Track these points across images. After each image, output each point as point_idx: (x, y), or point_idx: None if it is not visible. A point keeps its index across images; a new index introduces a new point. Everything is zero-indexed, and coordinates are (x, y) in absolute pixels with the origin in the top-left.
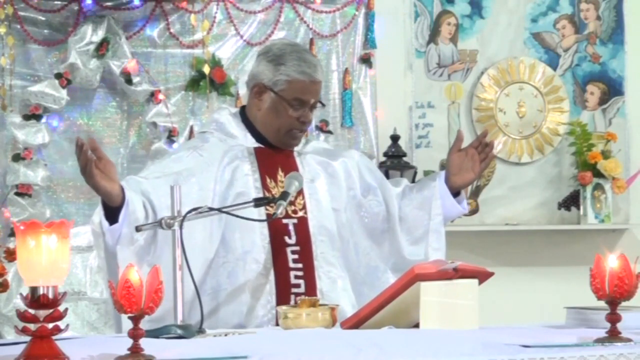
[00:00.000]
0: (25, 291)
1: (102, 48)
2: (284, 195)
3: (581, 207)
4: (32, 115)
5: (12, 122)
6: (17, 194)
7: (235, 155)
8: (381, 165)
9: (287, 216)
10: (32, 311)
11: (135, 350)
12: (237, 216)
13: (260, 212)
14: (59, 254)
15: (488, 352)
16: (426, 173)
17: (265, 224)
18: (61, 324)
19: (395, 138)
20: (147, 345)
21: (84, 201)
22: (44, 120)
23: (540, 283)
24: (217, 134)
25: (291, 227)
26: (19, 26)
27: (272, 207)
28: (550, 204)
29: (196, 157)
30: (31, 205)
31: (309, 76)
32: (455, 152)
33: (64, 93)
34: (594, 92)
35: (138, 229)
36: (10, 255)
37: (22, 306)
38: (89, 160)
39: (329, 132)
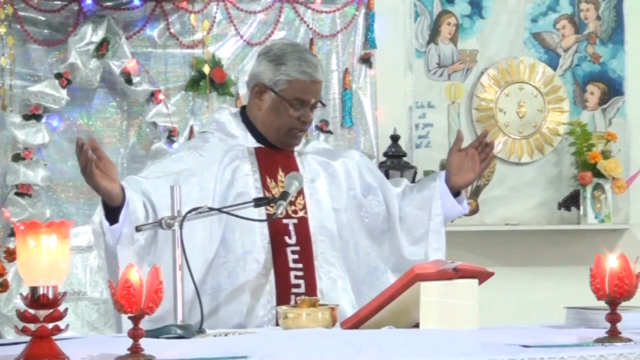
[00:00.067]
0: (25, 291)
1: (102, 48)
2: (284, 195)
3: (581, 207)
4: (32, 115)
5: (12, 122)
6: (17, 194)
7: (235, 155)
8: (381, 165)
9: (288, 216)
10: (32, 311)
11: (135, 350)
12: (237, 216)
13: (261, 212)
14: (59, 254)
15: (488, 352)
16: (426, 173)
17: (265, 224)
18: (61, 324)
19: (395, 138)
20: (147, 345)
21: (84, 201)
22: (44, 120)
23: (540, 283)
24: (218, 134)
25: (291, 227)
26: (19, 26)
27: (272, 207)
28: (550, 204)
29: (196, 157)
30: (31, 205)
31: (309, 76)
32: (456, 152)
33: (64, 93)
34: (594, 92)
35: (138, 229)
36: (10, 255)
37: (22, 306)
38: (90, 160)
39: (329, 132)
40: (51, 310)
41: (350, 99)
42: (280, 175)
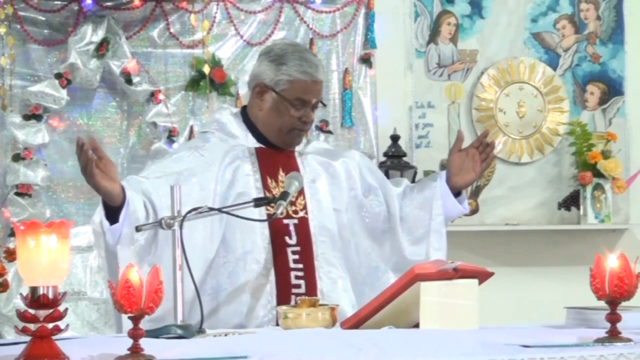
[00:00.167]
0: (25, 291)
1: (102, 48)
2: (284, 195)
3: (581, 207)
4: (32, 115)
5: (12, 122)
6: (17, 194)
7: (236, 155)
8: (381, 165)
9: (288, 216)
10: (32, 311)
11: (135, 350)
12: (237, 216)
13: (261, 213)
14: (59, 254)
15: (488, 352)
16: (426, 173)
17: (266, 224)
18: (61, 324)
19: (395, 138)
20: (147, 345)
21: (84, 201)
22: (44, 120)
23: (540, 283)
24: (218, 134)
25: (292, 228)
26: (19, 26)
27: (272, 207)
28: (550, 204)
29: (197, 157)
30: (31, 205)
31: (310, 76)
32: (456, 152)
33: (64, 93)
34: (594, 92)
35: (138, 229)
36: (10, 255)
37: (22, 306)
38: (90, 160)
39: (329, 132)
40: (51, 310)
41: (350, 99)
42: (281, 175)
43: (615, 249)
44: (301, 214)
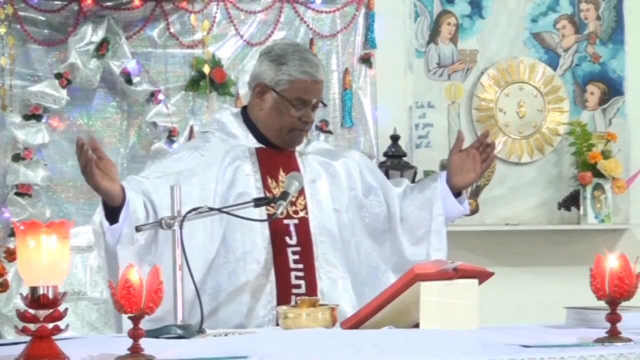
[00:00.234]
0: (25, 291)
1: (102, 48)
2: (284, 195)
3: (581, 207)
4: (32, 115)
5: (12, 122)
6: (17, 194)
7: (236, 155)
8: (381, 165)
9: (288, 216)
10: (32, 311)
11: (135, 350)
12: (238, 216)
13: (262, 213)
14: (59, 254)
15: (488, 352)
16: (426, 173)
17: (266, 224)
18: (61, 324)
19: (395, 138)
20: (147, 345)
21: (84, 201)
22: (44, 120)
23: (540, 283)
24: (219, 134)
25: (292, 228)
26: (19, 26)
27: (272, 207)
28: (550, 204)
29: (197, 157)
30: (31, 205)
31: (311, 76)
32: (457, 153)
33: (64, 93)
34: (594, 92)
35: (138, 228)
36: (10, 255)
37: (22, 306)
38: (90, 160)
39: (329, 132)
40: (51, 310)
41: (350, 99)
42: (281, 175)
43: (615, 249)
44: (301, 214)
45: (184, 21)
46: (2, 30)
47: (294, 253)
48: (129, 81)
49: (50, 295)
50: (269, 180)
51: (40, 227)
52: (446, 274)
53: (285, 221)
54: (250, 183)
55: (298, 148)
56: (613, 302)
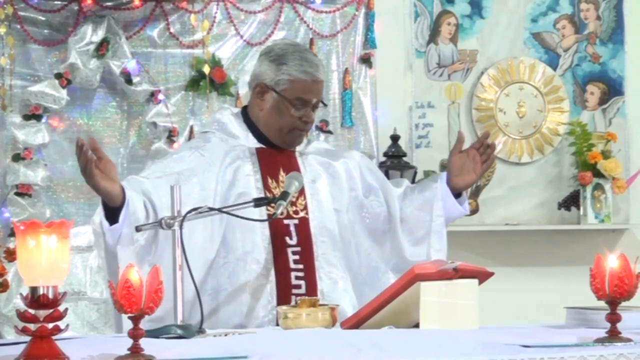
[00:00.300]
0: (25, 291)
1: (102, 48)
2: (284, 195)
3: (581, 207)
4: (32, 115)
5: (12, 122)
6: (17, 194)
7: (236, 155)
8: (381, 165)
9: (289, 217)
10: (32, 311)
11: (135, 350)
12: (238, 216)
13: (262, 213)
14: (59, 254)
15: (488, 352)
16: (426, 173)
17: (266, 225)
18: (61, 324)
19: (395, 138)
20: (147, 345)
21: (84, 201)
22: (44, 120)
23: (540, 283)
24: (219, 134)
25: (292, 228)
26: (19, 26)
27: (272, 207)
28: (550, 204)
29: (198, 157)
30: (31, 205)
31: (311, 75)
32: (457, 154)
33: (64, 93)
34: (594, 92)
35: (138, 229)
36: (10, 255)
37: (22, 306)
38: (89, 161)
39: (329, 132)
40: (51, 310)
41: (350, 99)
42: (282, 175)
43: (615, 249)
44: (302, 214)
45: (184, 21)
46: (2, 30)
47: (294, 253)
48: (129, 81)
49: (50, 295)
50: (269, 181)
51: (40, 227)
52: (446, 274)
53: (286, 221)
54: (250, 183)
55: (298, 148)
56: (613, 302)
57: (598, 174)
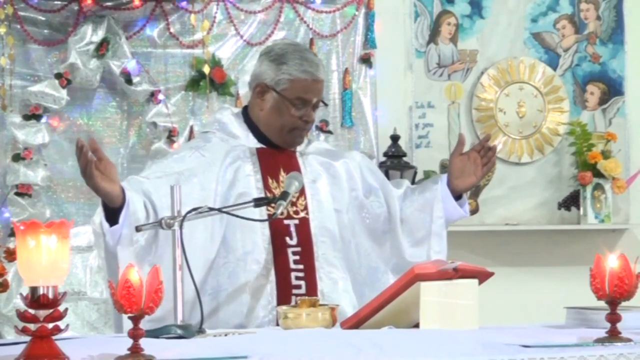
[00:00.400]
0: (25, 291)
1: (102, 48)
2: (284, 195)
3: (581, 207)
4: (32, 115)
5: (12, 122)
6: (17, 194)
7: (237, 155)
8: (381, 165)
9: (289, 217)
10: (32, 311)
11: (135, 350)
12: (237, 216)
13: (262, 213)
14: (59, 254)
15: (488, 352)
16: (426, 173)
17: (266, 225)
18: (61, 324)
19: (395, 138)
20: (147, 345)
21: (84, 201)
22: (44, 120)
23: (540, 283)
24: (219, 134)
25: (292, 228)
26: (19, 26)
27: (273, 207)
28: (550, 204)
29: (198, 157)
30: (31, 205)
31: (311, 75)
32: (457, 156)
33: (64, 93)
34: (594, 92)
35: (138, 229)
36: (10, 255)
37: (22, 306)
38: (89, 162)
39: (329, 132)
40: (51, 310)
41: (350, 99)
42: (282, 175)
43: (615, 249)
44: (302, 214)
45: (184, 21)
46: (2, 30)
47: (294, 253)
48: (129, 81)
49: (50, 295)
50: (270, 181)
51: (40, 227)
52: (446, 274)
53: (286, 221)
54: (250, 183)
55: (299, 148)
56: (613, 302)
57: (598, 174)
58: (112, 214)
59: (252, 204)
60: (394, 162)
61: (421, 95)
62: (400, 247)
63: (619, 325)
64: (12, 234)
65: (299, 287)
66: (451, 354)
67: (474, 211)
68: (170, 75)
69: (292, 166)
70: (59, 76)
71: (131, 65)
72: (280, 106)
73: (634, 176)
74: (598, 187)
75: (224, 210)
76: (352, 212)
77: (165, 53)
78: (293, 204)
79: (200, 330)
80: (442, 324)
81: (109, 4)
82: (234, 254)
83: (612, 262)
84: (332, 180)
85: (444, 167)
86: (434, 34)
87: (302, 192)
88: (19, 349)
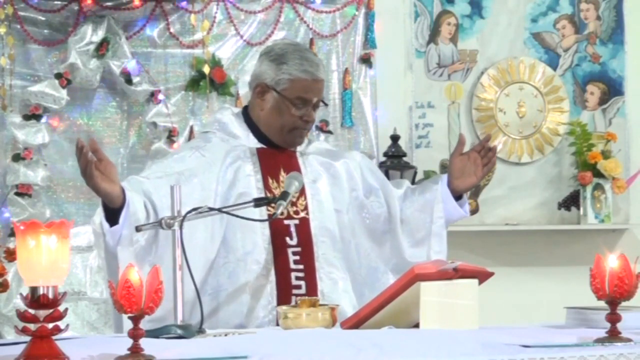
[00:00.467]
0: (25, 291)
1: (102, 48)
2: (284, 195)
3: (581, 207)
4: (32, 115)
5: (12, 122)
6: (17, 194)
7: (237, 155)
8: (381, 165)
9: (289, 217)
10: (32, 311)
11: (135, 350)
12: (237, 216)
13: (262, 213)
14: (59, 254)
15: (488, 352)
16: (426, 173)
17: (266, 225)
18: (61, 324)
19: (395, 138)
20: (147, 345)
21: (84, 201)
22: (44, 120)
23: (540, 283)
24: (220, 134)
25: (292, 228)
26: (19, 26)
27: (273, 207)
28: (550, 204)
29: (198, 157)
30: (31, 205)
31: (311, 75)
32: (458, 156)
33: (64, 93)
34: (594, 92)
35: (138, 229)
36: (10, 255)
37: (22, 306)
38: (90, 162)
39: (329, 132)
40: (51, 310)
41: (350, 99)
42: (282, 175)
43: (615, 249)
44: (302, 214)
45: (184, 21)
46: (2, 30)
47: (294, 253)
48: (129, 81)
49: (50, 295)
50: (270, 181)
51: (40, 227)
52: (446, 274)
53: (286, 221)
54: (251, 183)
55: (299, 148)
56: (613, 302)
57: (598, 174)
58: (112, 214)
59: (252, 204)
60: (394, 162)
61: (421, 95)
62: (400, 247)
63: (619, 325)
64: (12, 234)
65: (299, 287)
66: (451, 354)
67: (474, 211)
68: (170, 75)
69: (293, 166)
70: (59, 76)
71: (131, 65)
72: (280, 106)
73: (634, 176)
74: (598, 187)
75: (224, 210)
76: (352, 212)
77: (165, 53)
78: (293, 204)
79: (200, 330)
80: (442, 324)
81: (109, 4)
82: (234, 254)
83: (612, 262)
84: (332, 180)
85: (444, 167)
86: (434, 34)
87: (302, 192)
88: (19, 349)
